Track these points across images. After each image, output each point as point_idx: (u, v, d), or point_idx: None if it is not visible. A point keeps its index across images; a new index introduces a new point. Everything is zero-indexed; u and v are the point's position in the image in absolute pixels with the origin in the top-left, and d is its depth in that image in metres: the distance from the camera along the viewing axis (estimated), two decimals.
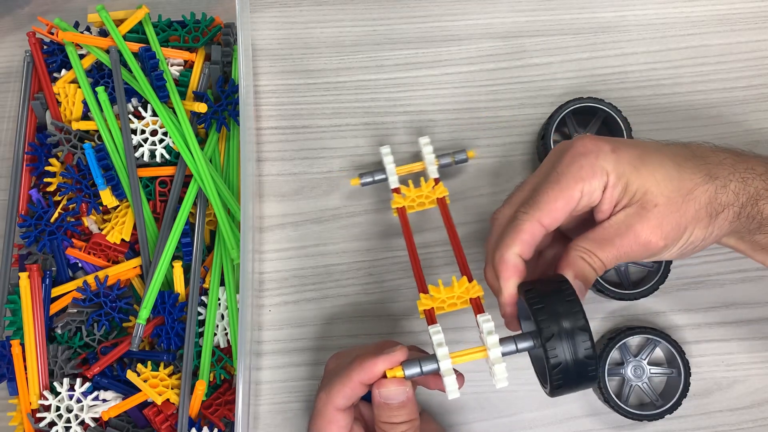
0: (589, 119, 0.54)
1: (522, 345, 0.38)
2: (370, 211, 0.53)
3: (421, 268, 0.44)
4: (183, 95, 0.54)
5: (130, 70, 0.54)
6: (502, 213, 0.41)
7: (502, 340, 0.38)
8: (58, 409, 0.47)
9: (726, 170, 0.39)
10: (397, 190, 0.49)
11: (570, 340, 0.35)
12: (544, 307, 0.36)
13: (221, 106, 0.53)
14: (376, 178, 0.51)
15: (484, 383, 0.49)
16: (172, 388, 0.47)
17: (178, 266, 0.50)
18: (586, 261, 0.39)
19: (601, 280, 0.49)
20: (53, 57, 0.55)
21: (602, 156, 0.38)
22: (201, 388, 0.47)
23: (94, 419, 0.47)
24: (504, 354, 0.38)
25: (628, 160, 0.38)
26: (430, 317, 0.41)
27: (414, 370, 0.38)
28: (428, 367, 0.38)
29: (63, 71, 0.55)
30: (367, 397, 0.43)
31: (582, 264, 0.39)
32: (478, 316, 0.39)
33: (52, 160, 0.52)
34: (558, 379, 0.36)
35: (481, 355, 0.38)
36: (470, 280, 0.42)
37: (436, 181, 0.49)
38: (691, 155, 0.40)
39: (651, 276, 0.49)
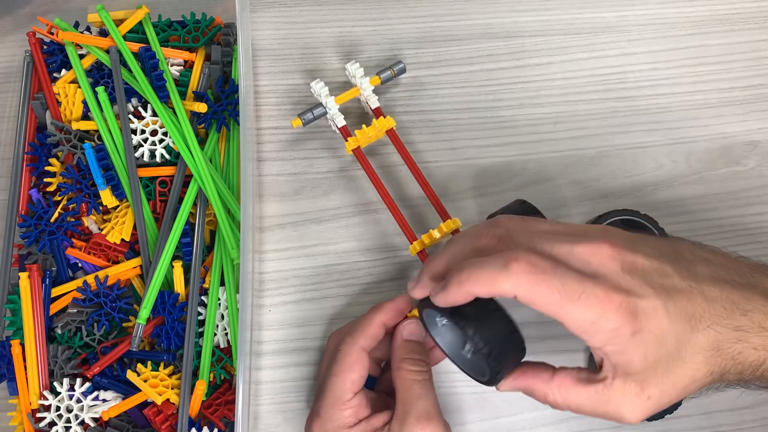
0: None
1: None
2: (369, 211, 0.53)
3: (401, 213, 0.48)
4: (183, 95, 0.54)
5: (130, 70, 0.54)
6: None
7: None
8: (58, 409, 0.47)
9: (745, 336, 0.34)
10: (345, 129, 0.50)
11: (489, 321, 0.36)
12: (458, 309, 0.36)
13: (221, 106, 0.53)
14: (316, 113, 0.51)
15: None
16: (172, 388, 0.47)
17: (178, 266, 0.50)
18: (549, 399, 0.37)
19: None
20: (53, 57, 0.55)
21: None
22: (201, 388, 0.47)
23: (94, 419, 0.47)
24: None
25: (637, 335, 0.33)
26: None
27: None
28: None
29: (63, 71, 0.55)
30: (366, 384, 0.44)
31: (540, 395, 0.38)
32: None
33: (52, 160, 0.52)
34: (493, 361, 0.36)
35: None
36: (445, 217, 0.47)
37: (378, 111, 0.51)
38: (711, 317, 0.34)
39: None
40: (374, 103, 0.51)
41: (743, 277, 0.36)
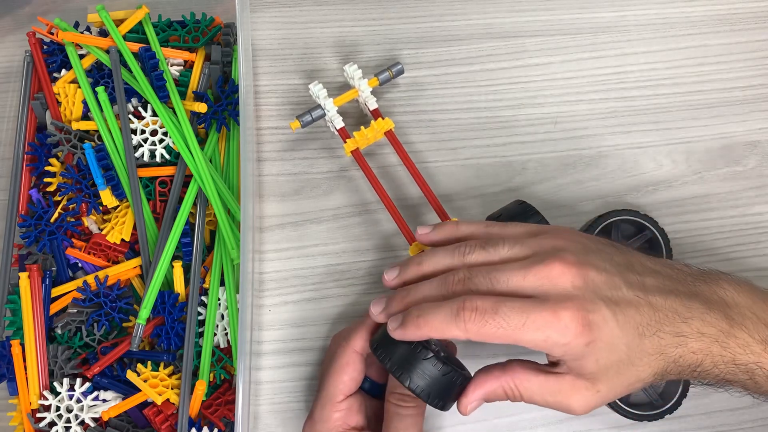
0: (630, 231, 0.51)
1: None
2: (370, 211, 0.53)
3: (399, 214, 0.48)
4: (183, 95, 0.54)
5: (130, 70, 0.54)
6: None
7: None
8: (58, 409, 0.47)
9: (691, 344, 0.37)
10: (343, 131, 0.50)
11: (420, 368, 0.39)
12: (393, 362, 0.40)
13: (221, 106, 0.53)
14: (314, 115, 0.51)
15: None
16: (172, 388, 0.47)
17: (178, 266, 0.50)
18: (506, 392, 0.40)
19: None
20: (53, 57, 0.55)
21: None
22: (201, 388, 0.47)
23: (94, 419, 0.47)
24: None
25: (588, 334, 0.36)
26: None
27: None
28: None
29: (63, 71, 0.55)
30: (371, 391, 0.45)
31: (499, 392, 0.40)
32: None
33: (52, 160, 0.52)
34: (433, 400, 0.40)
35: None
36: (444, 218, 0.47)
37: (377, 113, 0.51)
38: (656, 324, 0.37)
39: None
40: (373, 104, 0.51)
41: (686, 286, 0.39)
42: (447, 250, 0.41)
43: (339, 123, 0.51)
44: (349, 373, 0.43)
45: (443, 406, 0.41)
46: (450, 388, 0.40)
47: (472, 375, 0.41)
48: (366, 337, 0.44)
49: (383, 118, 0.50)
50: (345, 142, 0.50)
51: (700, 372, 0.38)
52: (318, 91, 0.51)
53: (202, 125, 0.53)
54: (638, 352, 0.37)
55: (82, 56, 0.55)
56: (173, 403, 0.47)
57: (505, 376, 0.39)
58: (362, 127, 0.50)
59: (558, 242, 0.39)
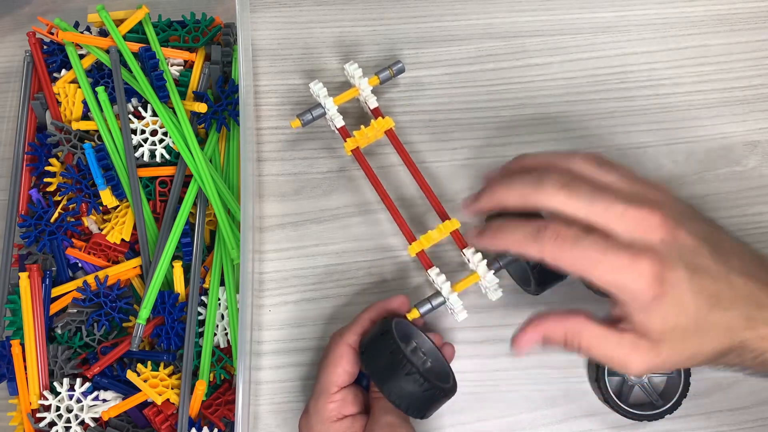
0: None
1: (503, 261, 0.45)
2: (369, 211, 0.53)
3: (399, 213, 0.48)
4: (183, 95, 0.54)
5: (130, 70, 0.54)
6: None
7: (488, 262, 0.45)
8: (58, 409, 0.47)
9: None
10: (343, 130, 0.50)
11: (401, 383, 0.40)
12: (374, 371, 0.41)
13: (221, 106, 0.53)
14: (315, 113, 0.51)
15: (484, 383, 0.49)
16: (172, 388, 0.47)
17: (178, 266, 0.50)
18: (566, 338, 0.39)
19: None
20: (53, 57, 0.55)
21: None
22: (201, 388, 0.47)
23: (94, 419, 0.47)
24: (490, 267, 0.45)
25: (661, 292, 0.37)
26: (426, 262, 0.46)
27: (426, 307, 0.45)
28: (436, 300, 0.45)
29: (63, 71, 0.55)
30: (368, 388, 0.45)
31: (559, 336, 0.39)
32: (463, 249, 0.46)
33: (52, 160, 0.52)
34: (414, 412, 0.41)
35: (474, 278, 0.45)
36: (444, 218, 0.47)
37: (377, 112, 0.51)
38: (730, 301, 0.37)
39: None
40: (373, 103, 0.51)
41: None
42: (558, 156, 0.41)
43: (339, 122, 0.51)
44: (342, 366, 0.44)
45: (422, 417, 0.42)
46: (429, 401, 0.41)
47: (452, 385, 0.42)
48: (359, 333, 0.44)
49: (383, 117, 0.50)
50: (345, 140, 0.50)
51: (763, 360, 0.38)
52: (318, 89, 0.51)
53: (202, 125, 0.53)
54: (706, 323, 0.37)
55: (82, 56, 0.55)
56: (173, 403, 0.47)
57: (570, 320, 0.39)
58: (362, 126, 0.50)
59: (662, 197, 0.39)
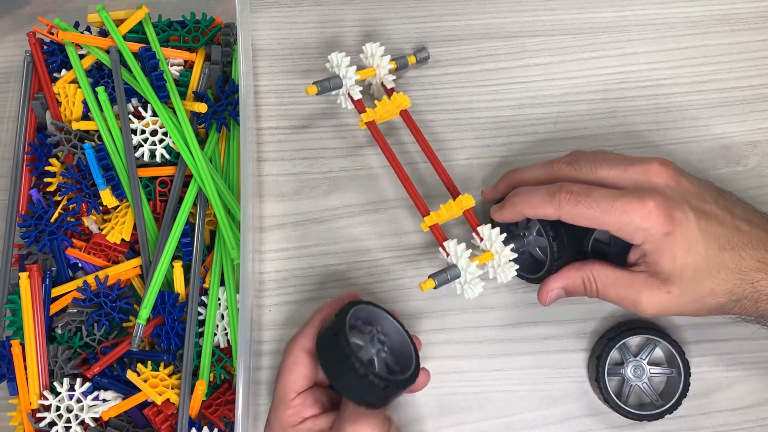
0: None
1: (516, 242, 0.45)
2: (370, 211, 0.53)
3: (414, 187, 0.47)
4: (183, 95, 0.54)
5: (130, 70, 0.54)
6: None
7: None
8: (58, 409, 0.47)
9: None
10: (360, 103, 0.50)
11: (346, 373, 0.40)
12: (328, 370, 0.41)
13: (221, 106, 0.53)
14: (332, 83, 0.49)
15: (484, 383, 0.49)
16: (172, 388, 0.47)
17: (178, 266, 0.50)
18: (584, 283, 0.43)
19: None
20: (53, 57, 0.55)
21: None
22: (201, 388, 0.47)
23: (94, 419, 0.47)
24: (506, 245, 0.44)
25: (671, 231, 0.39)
26: (441, 236, 0.45)
27: (442, 277, 0.43)
28: (452, 272, 0.43)
29: (63, 71, 0.55)
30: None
31: (578, 283, 0.43)
32: (477, 228, 0.45)
33: (52, 160, 0.52)
34: (364, 402, 0.41)
35: (488, 256, 0.44)
36: (456, 195, 0.46)
37: (391, 91, 0.50)
38: (739, 243, 0.40)
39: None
40: (390, 83, 0.51)
41: None
42: (556, 159, 0.45)
43: (357, 94, 0.49)
44: (297, 371, 0.43)
45: (374, 406, 0.42)
46: (385, 396, 0.41)
47: (411, 374, 0.42)
48: (313, 335, 0.43)
49: (390, 95, 0.49)
50: (361, 114, 0.48)
51: None
52: (340, 59, 0.49)
53: (202, 125, 0.53)
54: (716, 263, 0.39)
55: (82, 56, 0.55)
56: (173, 403, 0.47)
57: (585, 267, 0.43)
58: (377, 101, 0.49)
59: (662, 160, 0.42)
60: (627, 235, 0.40)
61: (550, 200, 0.41)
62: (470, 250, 0.44)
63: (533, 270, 0.47)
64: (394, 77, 0.52)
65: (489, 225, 0.45)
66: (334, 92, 0.50)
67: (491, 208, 0.46)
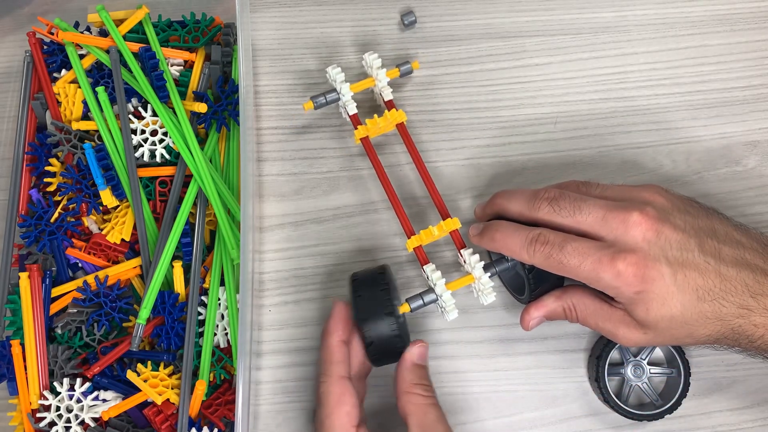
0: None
1: (499, 266, 0.46)
2: (369, 211, 0.53)
3: (401, 207, 0.48)
4: (183, 95, 0.54)
5: (130, 70, 0.54)
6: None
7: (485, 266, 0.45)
8: (58, 409, 0.47)
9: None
10: (355, 117, 0.50)
11: (381, 322, 0.42)
12: (361, 297, 0.43)
13: (221, 106, 0.53)
14: (329, 98, 0.51)
15: (484, 383, 0.49)
16: (172, 388, 0.47)
17: (178, 266, 0.50)
18: (565, 311, 0.44)
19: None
20: (53, 57, 0.55)
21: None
22: (201, 388, 0.47)
23: (94, 419, 0.47)
24: (486, 271, 0.45)
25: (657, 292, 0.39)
26: (422, 258, 0.46)
27: (417, 303, 0.44)
28: (428, 297, 0.45)
29: (63, 71, 0.55)
30: None
31: (559, 311, 0.45)
32: (461, 250, 0.46)
33: (52, 160, 0.52)
34: (374, 353, 0.43)
35: (469, 279, 0.45)
36: (445, 216, 0.47)
37: (390, 104, 0.51)
38: (720, 292, 0.39)
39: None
40: (388, 95, 0.51)
41: (766, 262, 0.40)
42: (541, 189, 0.45)
43: (352, 109, 0.50)
44: (348, 401, 0.41)
45: (376, 363, 0.44)
46: (389, 349, 0.43)
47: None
48: (340, 359, 0.43)
49: (396, 110, 0.50)
50: (356, 128, 0.49)
51: (760, 345, 0.39)
52: (336, 74, 0.50)
53: (202, 125, 0.53)
54: (694, 314, 0.39)
55: (82, 56, 0.55)
56: (173, 403, 0.47)
57: (566, 296, 0.44)
58: (375, 116, 0.50)
59: (648, 197, 0.42)
60: (600, 288, 0.40)
61: (526, 248, 0.42)
62: (444, 279, 0.44)
63: (521, 290, 0.48)
64: (392, 89, 0.51)
65: (471, 249, 0.46)
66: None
67: (470, 227, 0.46)
